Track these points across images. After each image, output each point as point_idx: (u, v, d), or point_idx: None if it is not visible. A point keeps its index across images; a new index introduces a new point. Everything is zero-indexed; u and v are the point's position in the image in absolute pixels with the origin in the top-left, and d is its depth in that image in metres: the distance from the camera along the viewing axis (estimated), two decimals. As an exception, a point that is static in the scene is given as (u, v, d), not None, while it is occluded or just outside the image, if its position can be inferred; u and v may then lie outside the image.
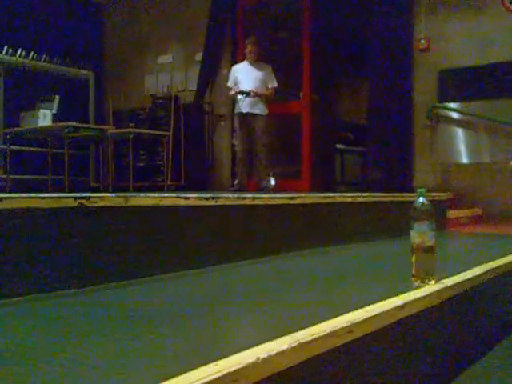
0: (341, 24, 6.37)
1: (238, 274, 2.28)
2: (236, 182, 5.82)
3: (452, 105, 5.55)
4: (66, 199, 1.77)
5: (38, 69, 6.98)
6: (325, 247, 3.04)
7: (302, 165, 6.31)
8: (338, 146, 7.45)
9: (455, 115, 5.56)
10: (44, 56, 7.04)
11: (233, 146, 6.20)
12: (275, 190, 5.33)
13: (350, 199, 3.55)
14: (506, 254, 2.52)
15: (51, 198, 1.75)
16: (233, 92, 5.71)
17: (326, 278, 2.20)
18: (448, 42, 5.51)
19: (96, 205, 1.84)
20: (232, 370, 0.98)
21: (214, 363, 0.99)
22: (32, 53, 6.91)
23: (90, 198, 1.81)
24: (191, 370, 0.95)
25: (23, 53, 6.82)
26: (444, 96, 5.56)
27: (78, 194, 1.84)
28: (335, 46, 6.67)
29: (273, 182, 5.44)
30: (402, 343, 1.60)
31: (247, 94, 5.56)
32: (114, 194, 1.98)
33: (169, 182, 6.45)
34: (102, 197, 1.88)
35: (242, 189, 5.60)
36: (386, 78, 5.73)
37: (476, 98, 5.42)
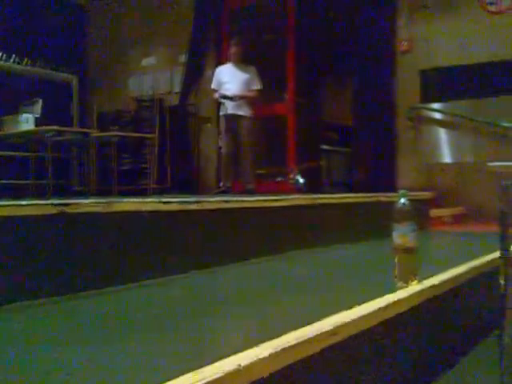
0: (325, 26, 6.39)
1: (221, 279, 2.27)
2: (222, 184, 5.81)
3: (434, 105, 5.60)
4: (46, 206, 1.75)
5: (21, 72, 6.90)
6: (310, 249, 3.04)
7: (287, 166, 6.31)
8: (324, 147, 7.47)
9: (437, 115, 5.60)
10: (26, 59, 6.97)
11: (219, 147, 6.20)
12: (257, 191, 5.33)
13: (335, 200, 3.57)
14: (488, 253, 2.54)
15: (31, 205, 1.73)
16: (217, 96, 5.71)
17: (310, 280, 2.20)
18: (429, 43, 5.56)
19: (76, 211, 1.82)
20: (212, 378, 0.96)
21: (194, 372, 0.97)
22: (14, 56, 6.84)
23: (69, 204, 1.78)
24: (169, 380, 0.93)
25: (4, 56, 6.74)
26: (426, 96, 5.60)
27: (57, 201, 1.81)
28: (319, 48, 6.69)
29: (301, 180, 5.31)
30: (386, 344, 1.61)
31: (231, 98, 5.55)
32: (94, 200, 1.96)
33: (154, 185, 6.42)
34: (82, 203, 1.86)
35: (228, 191, 5.59)
36: (369, 80, 5.76)
37: (458, 98, 5.48)
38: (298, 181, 5.45)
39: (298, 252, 2.94)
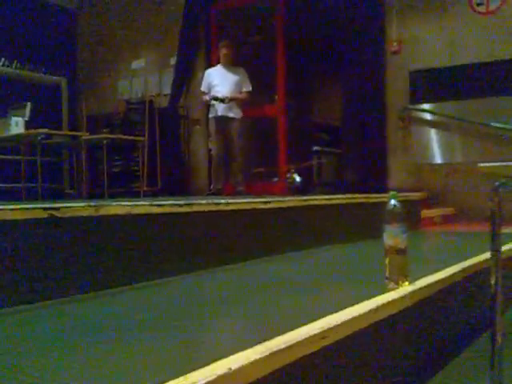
0: (314, 28, 6.41)
1: (212, 282, 2.26)
2: (212, 186, 5.80)
3: (424, 106, 5.63)
4: (35, 210, 1.74)
5: (10, 76, 6.85)
6: (301, 250, 3.05)
7: (278, 167, 6.32)
8: (315, 147, 7.49)
9: (427, 116, 5.63)
10: (15, 62, 6.92)
11: (209, 150, 6.19)
12: (247, 193, 5.32)
13: (325, 201, 3.56)
14: (479, 253, 2.55)
15: (20, 209, 1.71)
16: (207, 98, 5.69)
17: (301, 282, 2.20)
18: (419, 44, 5.59)
19: (66, 215, 1.80)
20: (203, 382, 0.96)
21: (184, 376, 0.96)
22: (3, 59, 6.79)
23: (59, 208, 1.77)
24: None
25: (-7, 59, 6.70)
26: (416, 97, 5.63)
27: (47, 205, 1.80)
28: (309, 50, 6.71)
29: (298, 179, 5.36)
30: (377, 346, 1.61)
31: (222, 100, 5.54)
32: (84, 204, 1.95)
33: (145, 188, 6.39)
34: (73, 207, 1.84)
35: (219, 193, 5.58)
36: (358, 81, 5.79)
37: (447, 98, 5.52)
38: (295, 179, 5.48)
39: (293, 253, 2.94)
